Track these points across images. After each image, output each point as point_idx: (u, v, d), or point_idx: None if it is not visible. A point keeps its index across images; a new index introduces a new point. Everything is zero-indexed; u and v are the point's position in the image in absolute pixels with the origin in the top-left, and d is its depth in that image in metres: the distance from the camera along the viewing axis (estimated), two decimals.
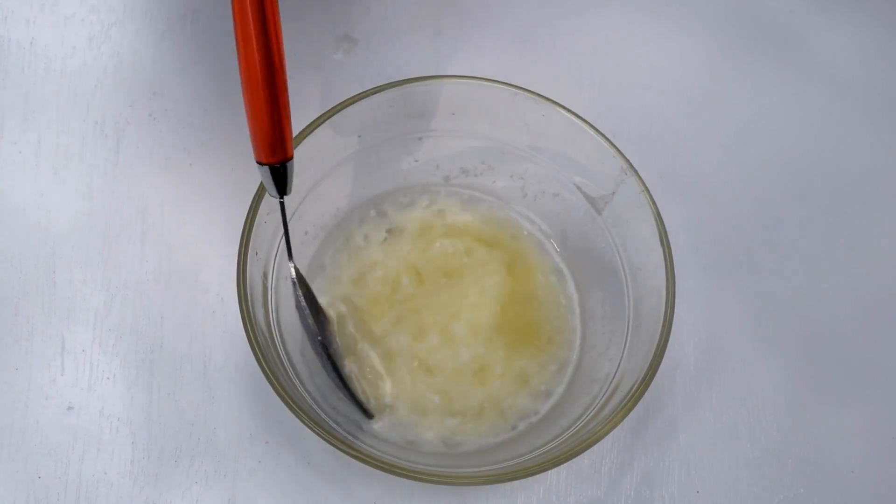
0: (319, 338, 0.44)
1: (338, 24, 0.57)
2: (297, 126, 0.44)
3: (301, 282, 0.45)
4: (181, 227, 0.50)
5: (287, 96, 0.39)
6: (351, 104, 0.44)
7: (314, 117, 0.44)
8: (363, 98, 0.45)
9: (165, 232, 0.50)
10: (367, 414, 0.45)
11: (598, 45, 0.58)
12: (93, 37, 0.55)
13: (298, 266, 0.47)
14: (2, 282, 0.48)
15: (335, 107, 0.44)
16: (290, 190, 0.41)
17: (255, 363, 0.39)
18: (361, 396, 0.45)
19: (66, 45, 0.55)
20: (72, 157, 0.52)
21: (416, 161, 0.50)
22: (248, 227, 0.41)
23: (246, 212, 0.42)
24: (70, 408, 0.46)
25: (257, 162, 0.40)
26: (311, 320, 0.44)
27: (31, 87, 0.53)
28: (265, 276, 0.43)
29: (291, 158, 0.40)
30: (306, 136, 0.44)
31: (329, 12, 0.57)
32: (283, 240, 0.45)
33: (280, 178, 0.40)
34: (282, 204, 0.42)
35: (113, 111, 0.53)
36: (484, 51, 0.57)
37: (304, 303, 0.44)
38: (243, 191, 0.44)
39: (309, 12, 0.57)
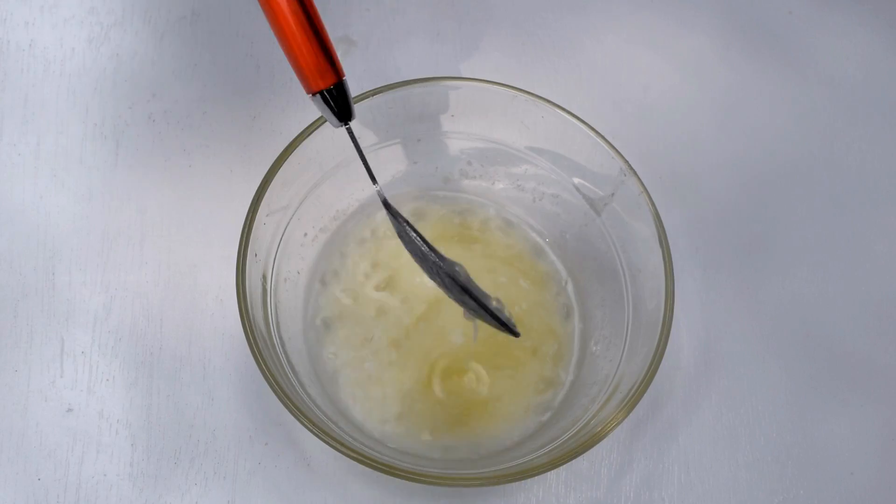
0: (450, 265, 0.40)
1: (337, 26, 0.57)
2: (296, 129, 0.44)
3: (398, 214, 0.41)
4: (180, 228, 0.50)
5: (319, 16, 0.37)
6: None
7: (313, 118, 0.44)
8: (362, 100, 0.45)
9: (165, 234, 0.50)
10: (516, 333, 0.41)
11: (597, 46, 0.58)
12: (92, 38, 0.55)
13: (300, 269, 0.47)
14: (1, 284, 0.48)
15: None
16: (354, 112, 0.39)
17: (255, 365, 0.39)
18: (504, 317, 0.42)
19: (65, 46, 0.55)
20: (71, 158, 0.52)
21: (416, 163, 0.50)
22: (247, 228, 0.41)
23: (245, 213, 0.42)
24: (69, 410, 0.46)
25: (311, 94, 0.38)
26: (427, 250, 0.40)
27: (31, 88, 0.53)
28: (264, 277, 0.43)
29: (344, 78, 0.38)
30: (305, 137, 0.44)
31: (328, 14, 0.57)
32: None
33: (340, 102, 0.38)
34: (349, 130, 0.40)
35: (112, 113, 0.53)
36: (483, 52, 0.57)
37: (418, 236, 0.40)
38: (243, 192, 0.44)
39: None
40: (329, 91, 0.38)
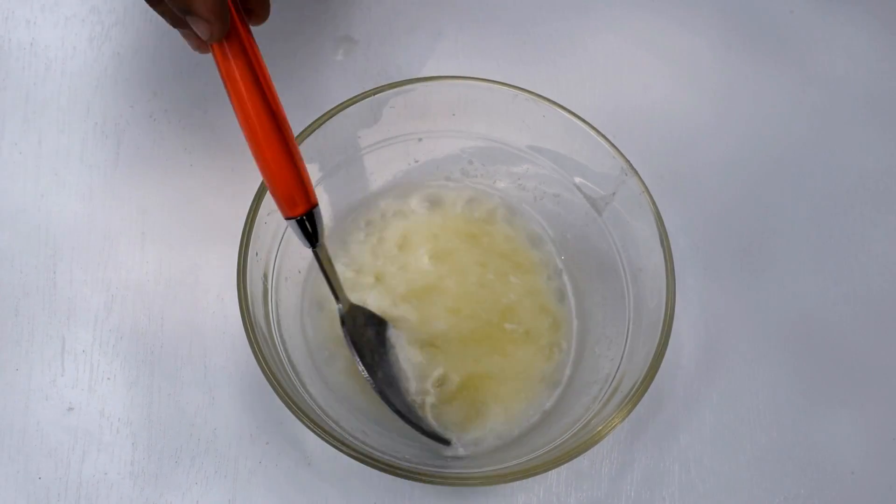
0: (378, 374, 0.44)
1: (338, 25, 0.57)
2: (298, 126, 0.44)
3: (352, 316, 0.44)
4: (181, 227, 0.50)
5: (296, 146, 0.39)
6: (351, 104, 0.44)
7: (315, 118, 0.44)
8: (363, 98, 0.45)
9: (165, 233, 0.50)
10: (445, 440, 0.44)
11: (598, 45, 0.58)
12: (93, 37, 0.55)
13: (301, 269, 0.47)
14: (2, 282, 0.48)
15: (336, 107, 0.44)
16: (323, 236, 0.41)
17: (256, 364, 0.39)
18: (433, 423, 0.45)
19: (66, 45, 0.55)
20: (72, 157, 0.52)
21: (417, 161, 0.50)
22: (248, 227, 0.41)
23: (246, 212, 0.42)
24: (70, 408, 0.46)
25: (286, 218, 0.40)
26: (368, 361, 0.44)
27: (32, 87, 0.53)
28: (265, 276, 0.43)
29: (316, 205, 0.40)
30: (307, 136, 0.44)
31: (329, 13, 0.57)
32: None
33: (311, 227, 0.40)
34: (319, 250, 0.42)
35: (113, 112, 0.53)
36: (484, 51, 0.57)
37: (358, 340, 0.44)
38: (243, 191, 0.44)
39: (309, 13, 0.57)
40: (301, 218, 0.40)
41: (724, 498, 0.47)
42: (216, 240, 0.50)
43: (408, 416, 0.43)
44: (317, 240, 0.41)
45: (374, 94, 0.45)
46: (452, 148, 0.49)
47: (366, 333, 0.45)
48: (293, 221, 0.40)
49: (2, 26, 0.55)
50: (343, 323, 0.44)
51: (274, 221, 0.44)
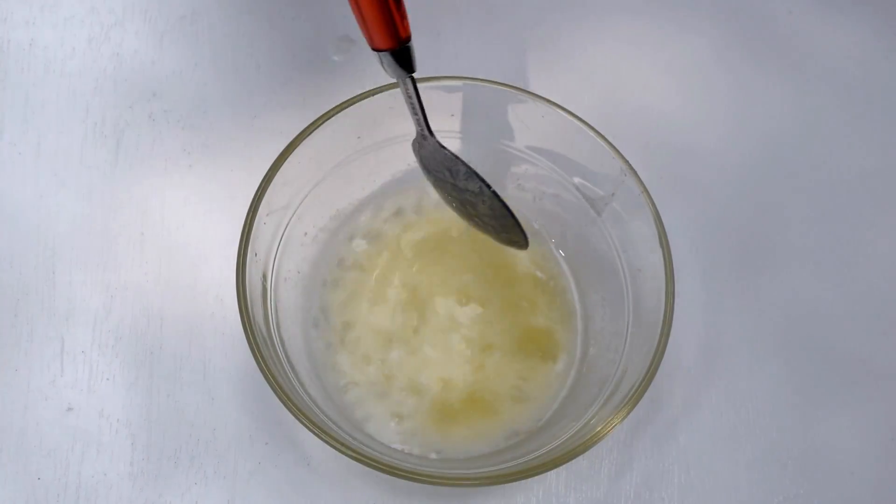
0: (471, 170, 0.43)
1: (337, 26, 0.57)
2: (297, 126, 0.44)
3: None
4: (180, 228, 0.50)
5: None
6: (350, 105, 0.44)
7: (314, 118, 0.44)
8: (362, 99, 0.45)
9: (165, 233, 0.50)
10: (524, 242, 0.45)
11: (598, 45, 0.58)
12: (92, 38, 0.55)
13: (300, 270, 0.47)
14: (1, 283, 0.48)
15: (334, 108, 0.44)
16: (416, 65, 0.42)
17: (255, 364, 0.39)
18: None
19: (65, 46, 0.55)
20: (71, 158, 0.52)
21: (416, 162, 0.49)
22: (247, 227, 0.41)
23: (245, 212, 0.42)
24: (70, 409, 0.46)
25: (378, 49, 0.40)
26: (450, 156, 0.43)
27: (31, 88, 0.53)
28: (264, 277, 0.43)
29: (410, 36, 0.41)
30: (306, 136, 0.44)
31: (328, 13, 0.57)
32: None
33: (406, 58, 0.41)
34: (412, 79, 0.42)
35: (112, 112, 0.53)
36: (484, 52, 0.57)
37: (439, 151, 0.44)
38: (242, 192, 0.44)
39: (308, 13, 0.57)
40: (405, 47, 0.41)
41: (724, 498, 0.47)
42: (215, 240, 0.50)
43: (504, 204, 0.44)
44: (413, 68, 0.42)
45: (373, 95, 0.45)
46: (451, 148, 0.49)
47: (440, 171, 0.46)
48: (388, 53, 0.40)
49: (0, 27, 0.55)
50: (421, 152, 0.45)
51: (273, 222, 0.44)
